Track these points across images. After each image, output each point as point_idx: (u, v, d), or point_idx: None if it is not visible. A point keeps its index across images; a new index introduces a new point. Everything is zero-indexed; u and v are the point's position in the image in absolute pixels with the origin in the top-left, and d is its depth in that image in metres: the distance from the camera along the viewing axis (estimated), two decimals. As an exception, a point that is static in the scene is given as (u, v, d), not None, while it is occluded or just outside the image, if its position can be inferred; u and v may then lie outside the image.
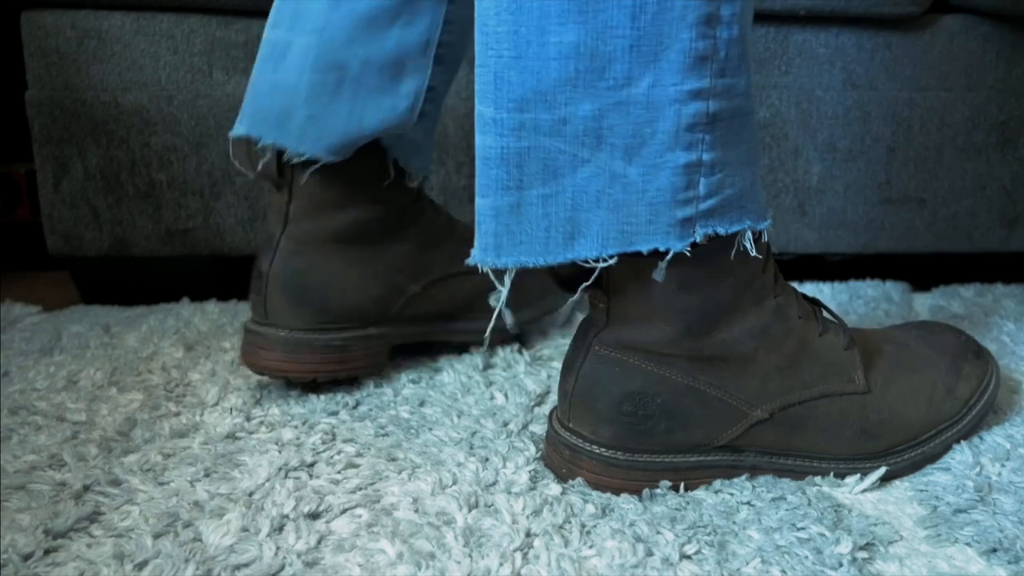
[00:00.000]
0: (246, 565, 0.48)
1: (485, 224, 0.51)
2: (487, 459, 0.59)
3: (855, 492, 0.56)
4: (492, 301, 0.52)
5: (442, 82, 0.67)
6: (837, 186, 0.99)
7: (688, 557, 0.49)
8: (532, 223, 0.50)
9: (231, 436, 0.63)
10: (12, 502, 0.54)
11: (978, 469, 0.58)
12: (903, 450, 0.58)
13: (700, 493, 0.55)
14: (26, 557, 0.48)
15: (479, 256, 0.52)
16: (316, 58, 0.62)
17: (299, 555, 0.49)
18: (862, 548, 0.49)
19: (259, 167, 0.66)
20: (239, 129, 0.65)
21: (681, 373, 0.53)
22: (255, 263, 0.68)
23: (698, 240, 0.50)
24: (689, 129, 0.48)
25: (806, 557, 0.48)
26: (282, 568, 0.48)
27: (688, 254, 0.50)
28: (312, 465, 0.59)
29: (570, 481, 0.56)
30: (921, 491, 0.56)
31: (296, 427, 0.64)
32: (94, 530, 0.52)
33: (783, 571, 0.47)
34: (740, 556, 0.49)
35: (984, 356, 0.63)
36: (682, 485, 0.55)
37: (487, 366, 0.76)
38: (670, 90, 0.47)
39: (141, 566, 0.48)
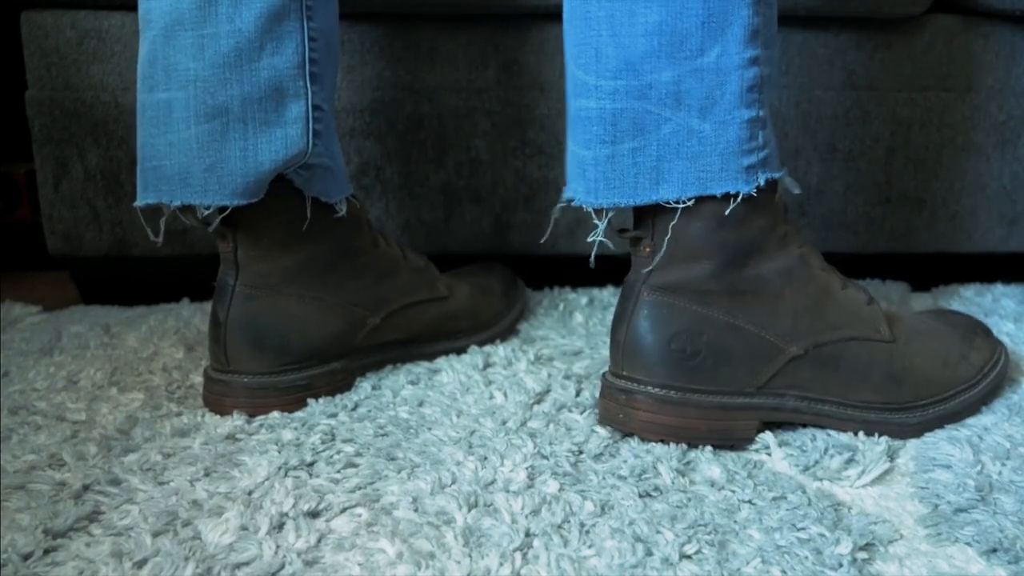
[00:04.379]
0: (246, 564, 0.48)
1: (588, 172, 0.60)
2: (486, 458, 0.59)
3: (856, 485, 0.56)
4: (590, 237, 0.61)
5: (323, 100, 0.67)
6: (837, 186, 0.98)
7: (688, 557, 0.49)
8: (624, 171, 0.59)
9: (231, 437, 0.63)
10: (12, 502, 0.54)
11: (979, 468, 0.58)
12: (927, 404, 0.63)
13: (702, 489, 0.55)
14: (26, 557, 0.48)
15: (583, 198, 0.61)
16: (197, 109, 0.62)
17: (299, 554, 0.49)
18: (862, 548, 0.49)
19: (162, 228, 0.68)
20: (146, 198, 0.65)
21: (722, 312, 0.60)
22: (212, 311, 0.68)
23: (761, 184, 0.58)
24: (750, 90, 0.58)
25: (806, 557, 0.48)
26: (282, 567, 0.48)
27: (755, 195, 0.58)
28: (311, 464, 0.59)
29: (627, 431, 0.62)
30: (922, 488, 0.56)
31: (296, 428, 0.64)
32: (93, 529, 0.52)
33: (783, 571, 0.47)
34: (740, 556, 0.49)
35: (992, 335, 0.70)
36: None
37: (487, 365, 0.76)
38: (735, 58, 0.57)
39: (140, 564, 0.48)
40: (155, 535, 0.50)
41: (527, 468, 0.57)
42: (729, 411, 0.61)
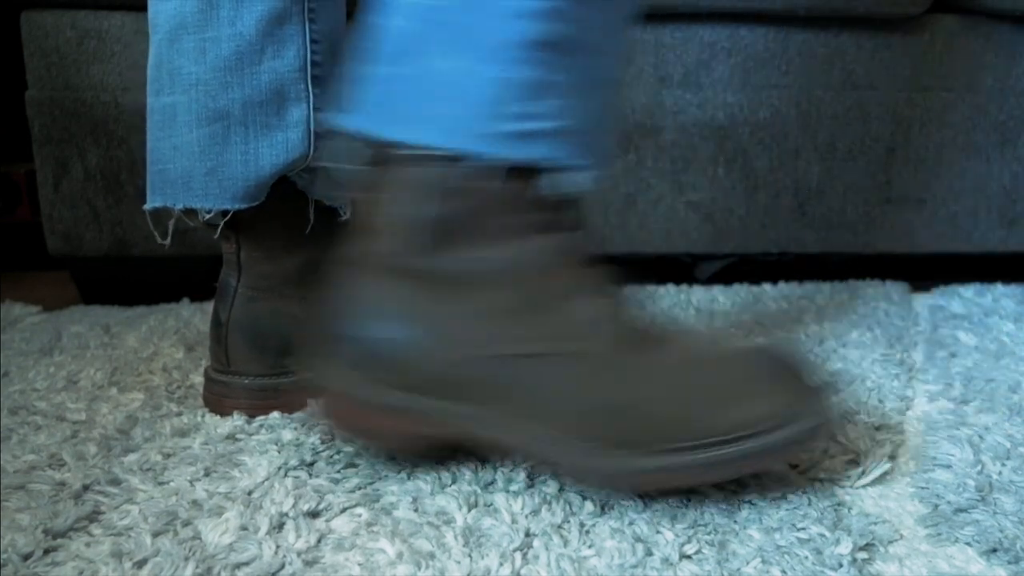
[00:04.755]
0: (246, 563, 0.48)
1: (344, 89, 0.55)
2: (485, 458, 0.59)
3: (856, 487, 0.56)
4: (323, 160, 0.56)
5: (327, 104, 0.66)
6: (837, 186, 0.99)
7: (688, 557, 0.49)
8: (373, 96, 0.53)
9: (231, 437, 0.63)
10: (12, 502, 0.54)
11: (979, 468, 0.58)
12: (632, 452, 0.49)
13: (702, 488, 0.55)
14: (26, 557, 0.48)
15: (334, 117, 0.55)
16: (199, 113, 0.62)
17: (299, 553, 0.49)
18: (862, 548, 0.49)
19: (170, 231, 0.67)
20: (153, 202, 0.65)
21: (408, 298, 0.52)
22: (213, 311, 0.68)
23: (507, 157, 0.49)
24: (522, 45, 0.48)
25: (806, 557, 0.48)
26: (282, 567, 0.48)
27: (494, 166, 0.49)
28: (311, 464, 0.59)
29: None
30: (922, 488, 0.56)
31: (296, 428, 0.64)
32: (93, 529, 0.52)
33: (783, 571, 0.47)
34: (740, 556, 0.49)
35: (815, 407, 0.50)
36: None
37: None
38: (509, 1, 0.48)
39: (140, 564, 0.48)
40: (155, 535, 0.50)
41: (527, 468, 0.57)
42: (398, 411, 0.54)
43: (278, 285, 0.68)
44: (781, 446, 0.49)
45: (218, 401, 0.68)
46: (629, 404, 0.49)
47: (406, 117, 0.51)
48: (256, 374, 0.67)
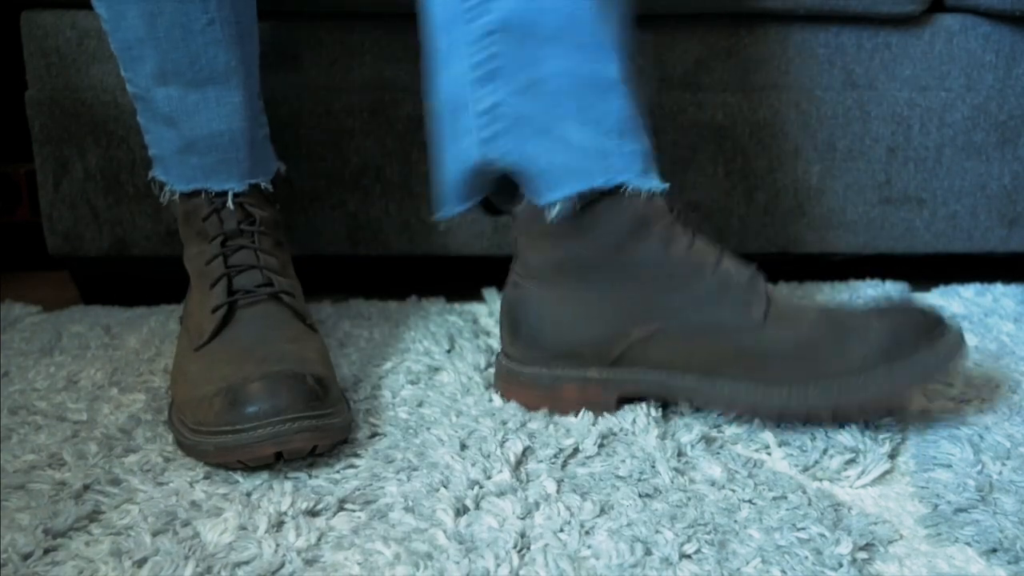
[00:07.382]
0: (246, 562, 0.48)
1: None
2: (486, 458, 0.59)
3: (856, 487, 0.56)
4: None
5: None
6: (837, 186, 0.98)
7: (688, 556, 0.49)
8: None
9: (231, 436, 0.63)
10: (12, 501, 0.54)
11: (979, 468, 0.57)
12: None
13: (702, 488, 0.55)
14: (26, 556, 0.48)
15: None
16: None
17: (299, 552, 0.49)
18: (862, 548, 0.49)
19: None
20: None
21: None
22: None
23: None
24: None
25: (806, 557, 0.48)
26: (282, 565, 0.48)
27: None
28: (310, 465, 0.59)
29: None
30: (922, 488, 0.56)
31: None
32: (93, 529, 0.52)
33: (783, 571, 0.47)
34: (740, 556, 0.49)
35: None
36: None
37: (488, 365, 0.76)
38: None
39: (140, 563, 0.48)
40: (155, 534, 0.50)
41: (526, 468, 0.57)
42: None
43: (542, 276, 0.65)
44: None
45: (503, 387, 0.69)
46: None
47: None
48: (512, 358, 0.67)
